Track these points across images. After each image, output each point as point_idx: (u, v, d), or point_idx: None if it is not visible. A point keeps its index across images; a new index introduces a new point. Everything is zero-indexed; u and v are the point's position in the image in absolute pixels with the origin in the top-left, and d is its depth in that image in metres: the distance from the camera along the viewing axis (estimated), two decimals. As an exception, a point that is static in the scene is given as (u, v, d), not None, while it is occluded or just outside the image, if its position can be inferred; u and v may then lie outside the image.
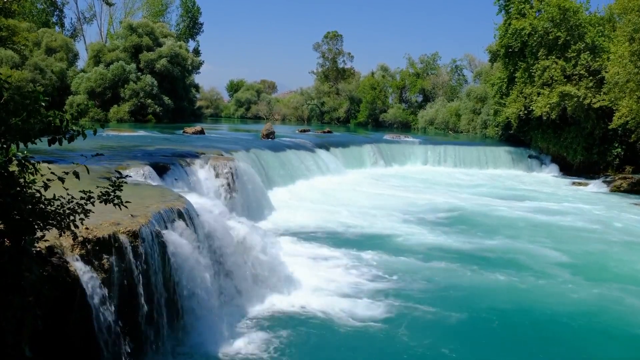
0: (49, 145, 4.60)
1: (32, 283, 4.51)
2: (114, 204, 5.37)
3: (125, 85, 46.22)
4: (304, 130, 40.86)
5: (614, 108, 27.14)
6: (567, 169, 32.31)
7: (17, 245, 4.52)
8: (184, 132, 30.16)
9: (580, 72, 30.08)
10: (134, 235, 7.03)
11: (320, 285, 10.65)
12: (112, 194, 5.35)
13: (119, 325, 6.45)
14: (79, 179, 4.66)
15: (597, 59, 29.84)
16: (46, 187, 4.68)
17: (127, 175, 5.98)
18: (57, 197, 4.94)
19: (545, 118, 30.94)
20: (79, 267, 6.04)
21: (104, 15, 71.68)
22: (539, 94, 31.13)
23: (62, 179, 4.77)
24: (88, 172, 5.06)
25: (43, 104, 4.54)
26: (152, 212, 7.93)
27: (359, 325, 8.98)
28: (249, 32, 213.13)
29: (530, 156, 33.94)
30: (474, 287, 11.27)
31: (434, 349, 8.30)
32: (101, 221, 6.85)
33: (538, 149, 34.12)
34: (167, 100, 48.20)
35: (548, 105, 30.17)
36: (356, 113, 66.87)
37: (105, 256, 6.51)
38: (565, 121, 31.50)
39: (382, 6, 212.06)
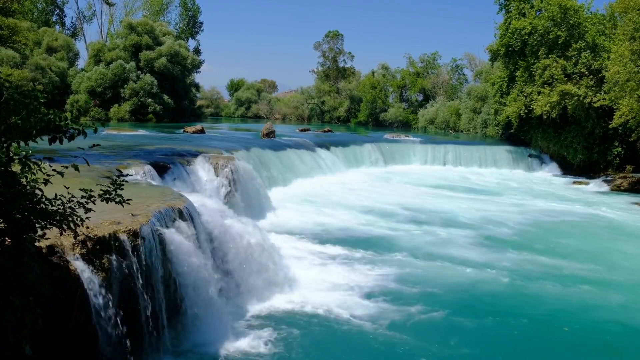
0: (50, 144, 4.61)
1: (32, 282, 4.51)
2: (116, 202, 5.38)
3: (126, 85, 46.20)
4: (304, 130, 40.91)
5: (615, 107, 27.11)
6: (568, 168, 32.26)
7: (18, 244, 4.53)
8: (184, 131, 30.19)
9: (581, 70, 30.05)
10: (135, 235, 7.04)
11: (321, 284, 10.65)
12: (113, 192, 5.36)
13: (119, 324, 6.45)
14: (78, 171, 4.66)
15: (598, 58, 29.82)
16: (46, 182, 4.68)
17: (127, 174, 5.99)
18: (58, 196, 4.94)
19: (545, 117, 30.90)
20: (79, 266, 6.05)
21: (104, 14, 71.80)
22: (539, 93, 31.09)
23: (61, 173, 4.76)
24: (88, 164, 5.06)
25: (42, 100, 4.55)
26: (152, 211, 7.93)
27: (360, 325, 8.96)
28: (249, 32, 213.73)
29: (530, 155, 33.88)
30: (480, 289, 11.11)
31: (435, 351, 8.28)
32: (102, 220, 6.86)
33: (538, 148, 34.06)
34: (168, 100, 48.15)
35: (548, 104, 30.13)
36: (356, 112, 66.88)
37: (105, 255, 6.52)
38: (566, 120, 31.46)
39: (382, 6, 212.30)
